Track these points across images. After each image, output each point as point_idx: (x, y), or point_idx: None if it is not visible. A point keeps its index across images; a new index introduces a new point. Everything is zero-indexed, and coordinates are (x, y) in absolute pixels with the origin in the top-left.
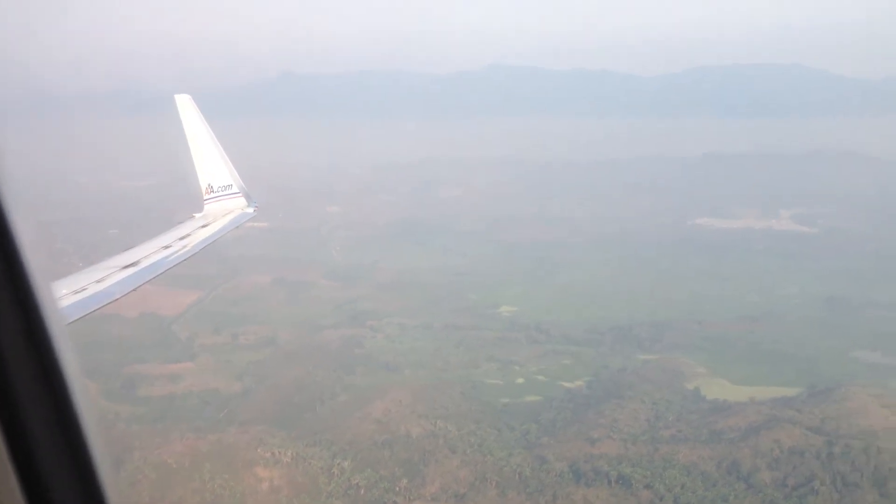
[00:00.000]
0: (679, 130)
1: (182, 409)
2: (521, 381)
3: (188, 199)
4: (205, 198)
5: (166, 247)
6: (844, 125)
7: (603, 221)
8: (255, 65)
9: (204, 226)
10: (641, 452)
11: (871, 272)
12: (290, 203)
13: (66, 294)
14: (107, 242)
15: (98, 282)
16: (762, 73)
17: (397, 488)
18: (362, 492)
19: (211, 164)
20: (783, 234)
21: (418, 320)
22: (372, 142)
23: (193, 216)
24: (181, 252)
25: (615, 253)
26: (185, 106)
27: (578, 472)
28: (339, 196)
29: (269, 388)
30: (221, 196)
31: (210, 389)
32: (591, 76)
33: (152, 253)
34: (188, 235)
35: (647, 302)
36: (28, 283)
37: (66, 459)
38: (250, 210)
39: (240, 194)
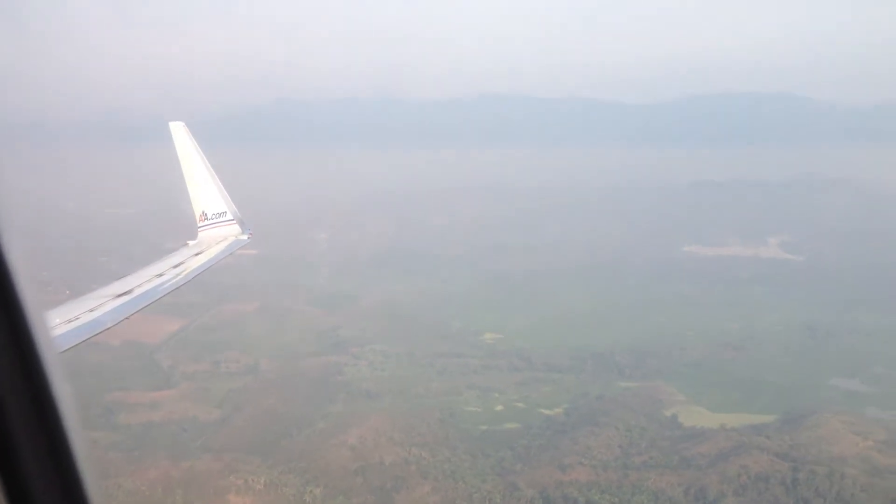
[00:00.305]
0: (670, 158)
1: (159, 437)
2: (500, 408)
3: (175, 227)
4: (199, 225)
5: (160, 275)
6: (834, 153)
7: (590, 249)
8: (251, 91)
9: (198, 253)
10: (611, 479)
11: (854, 300)
12: (279, 230)
13: (59, 323)
14: (93, 270)
15: (91, 311)
16: (754, 102)
17: None
18: None
19: (205, 191)
20: (770, 262)
21: (401, 347)
22: (364, 168)
23: (187, 243)
24: (174, 280)
25: (601, 280)
26: (180, 133)
27: (548, 498)
28: (328, 223)
29: (247, 415)
30: (216, 223)
31: (189, 417)
32: (584, 104)
33: (145, 281)
34: (182, 263)
35: (631, 329)
36: (21, 310)
37: (59, 489)
38: (245, 237)
39: (234, 221)
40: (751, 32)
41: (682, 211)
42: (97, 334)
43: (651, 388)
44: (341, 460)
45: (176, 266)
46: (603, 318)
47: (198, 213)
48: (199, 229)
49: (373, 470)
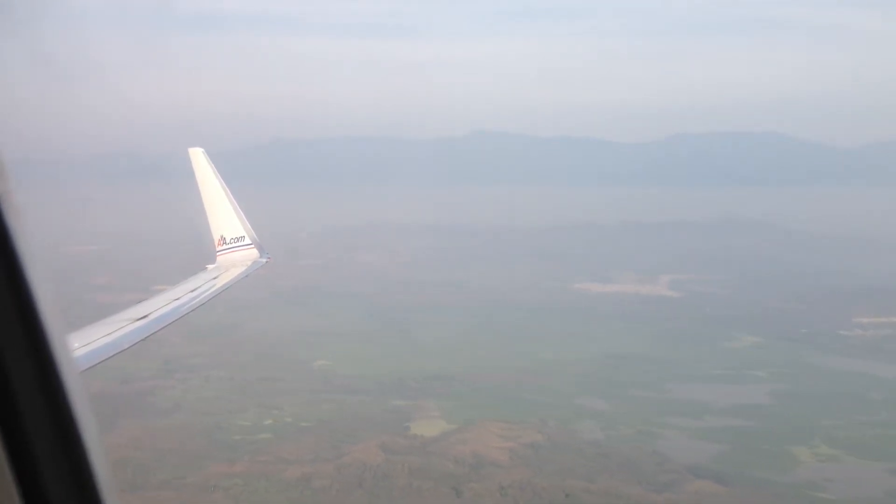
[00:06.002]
0: (636, 197)
1: None
2: (269, 422)
3: (123, 266)
4: (217, 249)
5: (177, 299)
6: (791, 193)
7: (493, 286)
8: (249, 131)
9: (215, 277)
10: (264, 470)
11: (683, 334)
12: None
13: (78, 346)
14: None
15: (109, 334)
16: (739, 141)
17: None
18: None
19: (224, 215)
20: (645, 299)
21: (229, 373)
22: (334, 206)
23: (206, 268)
24: (191, 304)
25: (477, 315)
26: (198, 159)
27: (199, 485)
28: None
29: None
30: (234, 247)
31: None
32: (576, 143)
33: (163, 305)
34: (199, 287)
35: (455, 357)
36: (44, 333)
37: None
38: (263, 260)
39: (252, 245)
40: (744, 73)
41: (603, 248)
42: (113, 356)
43: (416, 405)
44: None
45: (193, 290)
46: (441, 349)
47: (216, 238)
48: (218, 253)
49: None
